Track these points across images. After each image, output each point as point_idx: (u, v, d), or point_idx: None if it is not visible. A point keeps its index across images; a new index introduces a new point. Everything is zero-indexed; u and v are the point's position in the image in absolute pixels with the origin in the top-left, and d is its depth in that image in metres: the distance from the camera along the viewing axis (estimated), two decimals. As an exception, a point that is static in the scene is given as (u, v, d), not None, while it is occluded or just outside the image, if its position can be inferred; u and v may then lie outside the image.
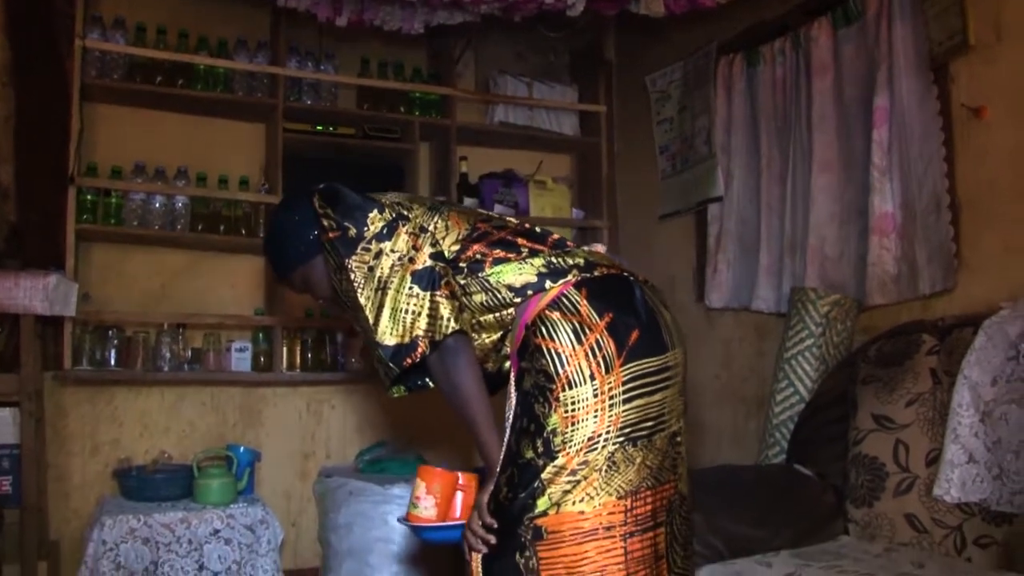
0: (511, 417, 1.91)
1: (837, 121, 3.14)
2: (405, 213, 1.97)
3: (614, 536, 1.81)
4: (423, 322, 1.85)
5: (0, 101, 3.42)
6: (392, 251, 1.90)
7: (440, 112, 3.97)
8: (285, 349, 3.63)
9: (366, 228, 1.92)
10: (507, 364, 2.00)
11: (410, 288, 1.86)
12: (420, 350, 1.84)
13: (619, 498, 1.81)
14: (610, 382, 1.80)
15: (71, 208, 3.30)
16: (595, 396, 1.79)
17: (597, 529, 1.80)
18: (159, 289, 3.65)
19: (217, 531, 3.12)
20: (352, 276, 1.89)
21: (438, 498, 1.98)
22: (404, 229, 1.94)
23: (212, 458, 3.41)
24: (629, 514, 1.82)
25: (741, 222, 3.54)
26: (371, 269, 1.88)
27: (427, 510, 1.99)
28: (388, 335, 1.85)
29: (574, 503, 1.79)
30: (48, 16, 3.48)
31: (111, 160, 3.50)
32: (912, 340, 2.59)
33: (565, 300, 1.86)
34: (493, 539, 1.83)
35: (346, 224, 1.92)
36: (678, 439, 1.94)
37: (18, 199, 3.39)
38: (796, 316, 2.99)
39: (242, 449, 3.44)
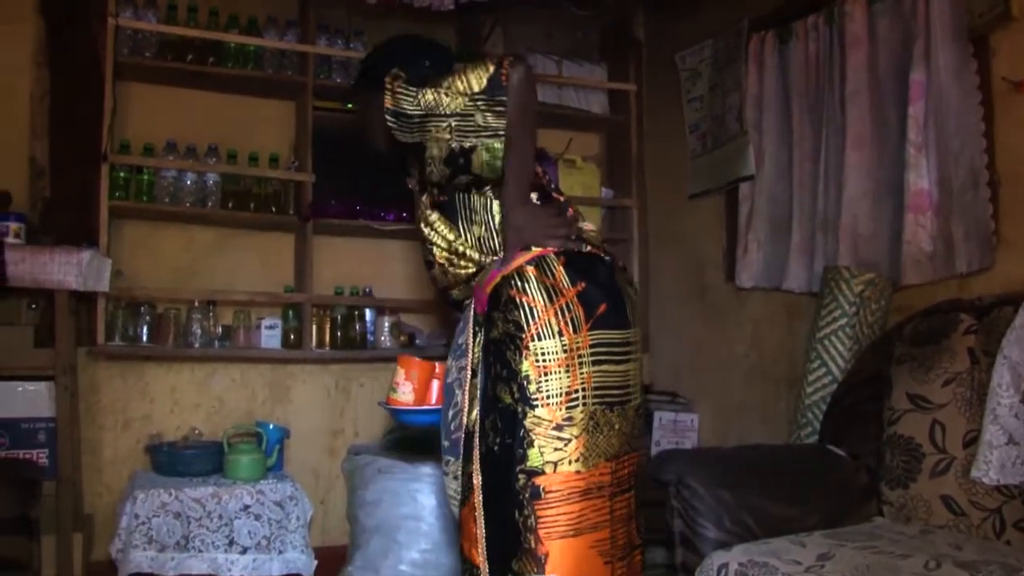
0: (474, 364, 2.02)
1: (871, 97, 3.08)
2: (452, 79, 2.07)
3: (604, 495, 1.94)
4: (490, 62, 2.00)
5: (35, 80, 3.47)
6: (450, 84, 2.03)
7: (469, 90, 3.94)
8: (314, 326, 3.64)
9: (428, 80, 2.06)
10: (470, 297, 2.12)
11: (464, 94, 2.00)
12: (506, 64, 1.98)
13: (607, 460, 1.94)
14: (578, 341, 1.93)
15: (104, 185, 3.32)
16: (564, 351, 1.91)
17: (591, 488, 1.92)
18: (190, 266, 3.67)
19: (247, 506, 3.15)
20: (436, 83, 2.02)
21: (416, 384, 2.14)
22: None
23: (242, 434, 3.43)
24: (614, 476, 1.97)
25: (772, 201, 3.50)
26: (445, 86, 2.01)
27: (405, 395, 2.15)
28: (479, 80, 1.97)
29: (570, 463, 1.89)
30: (81, -6, 3.49)
31: (143, 138, 3.52)
32: (949, 319, 2.54)
33: (544, 263, 1.99)
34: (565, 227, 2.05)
35: (415, 79, 2.07)
36: (640, 411, 2.10)
37: (52, 176, 3.44)
38: (829, 295, 2.95)
39: (271, 426, 3.46)
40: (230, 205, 3.56)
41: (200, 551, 3.06)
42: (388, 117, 2.06)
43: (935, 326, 2.57)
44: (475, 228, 2.08)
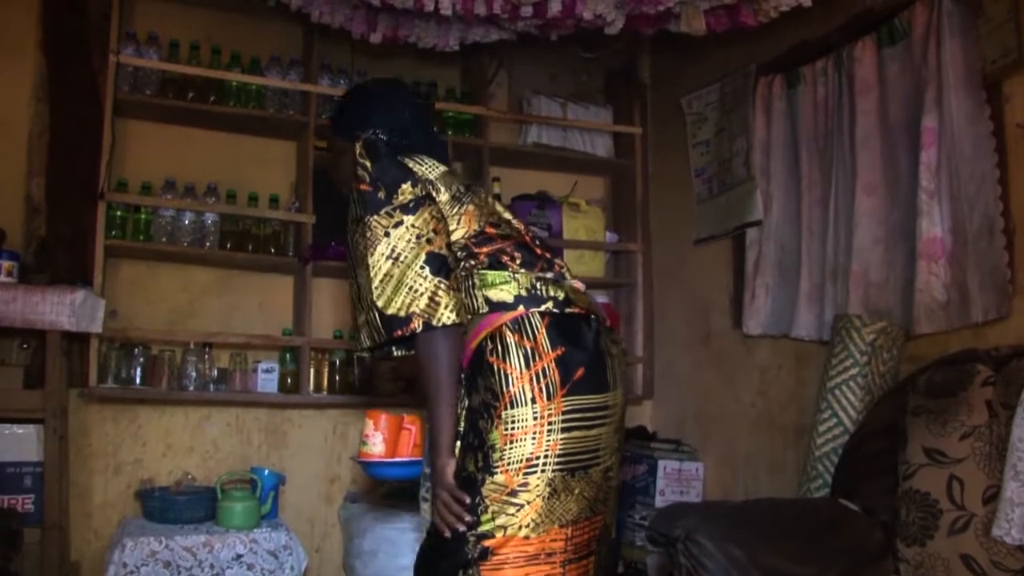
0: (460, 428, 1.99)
1: (882, 142, 3.04)
2: (434, 195, 2.02)
3: (554, 562, 1.91)
4: (422, 302, 1.89)
5: (33, 116, 3.44)
6: (413, 226, 1.94)
7: (473, 132, 3.91)
8: (312, 370, 3.56)
9: (395, 196, 1.96)
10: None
11: (422, 268, 1.91)
12: (412, 326, 1.89)
13: (561, 526, 1.90)
14: (550, 409, 1.88)
15: (100, 223, 3.27)
16: (535, 419, 1.87)
17: (539, 554, 1.89)
18: (186, 307, 3.60)
19: (240, 556, 3.05)
20: (368, 234, 1.92)
21: (386, 435, 2.12)
22: (428, 210, 1.98)
23: (236, 480, 3.34)
24: (569, 542, 1.93)
25: (780, 247, 3.44)
26: (387, 235, 1.92)
27: (376, 446, 2.14)
28: (387, 304, 1.90)
29: (520, 527, 1.86)
30: (83, 32, 3.47)
31: (141, 176, 3.47)
32: (965, 370, 2.47)
33: (526, 323, 1.94)
34: (468, 516, 1.87)
35: (379, 184, 1.96)
36: (610, 474, 2.03)
37: (48, 214, 3.38)
38: (840, 344, 2.88)
39: (267, 472, 3.37)
40: (228, 246, 3.50)
41: (189, 602, 2.96)
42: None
43: (951, 377, 2.50)
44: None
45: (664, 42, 3.73)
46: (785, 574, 2.23)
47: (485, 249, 2.03)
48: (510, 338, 1.93)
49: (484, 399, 1.93)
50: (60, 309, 2.95)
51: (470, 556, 1.86)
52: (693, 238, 3.92)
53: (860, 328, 2.85)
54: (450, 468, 1.94)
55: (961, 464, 2.34)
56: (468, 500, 1.88)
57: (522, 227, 2.17)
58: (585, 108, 4.15)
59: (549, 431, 1.88)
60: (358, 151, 2.02)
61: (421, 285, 1.90)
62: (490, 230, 2.08)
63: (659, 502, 3.61)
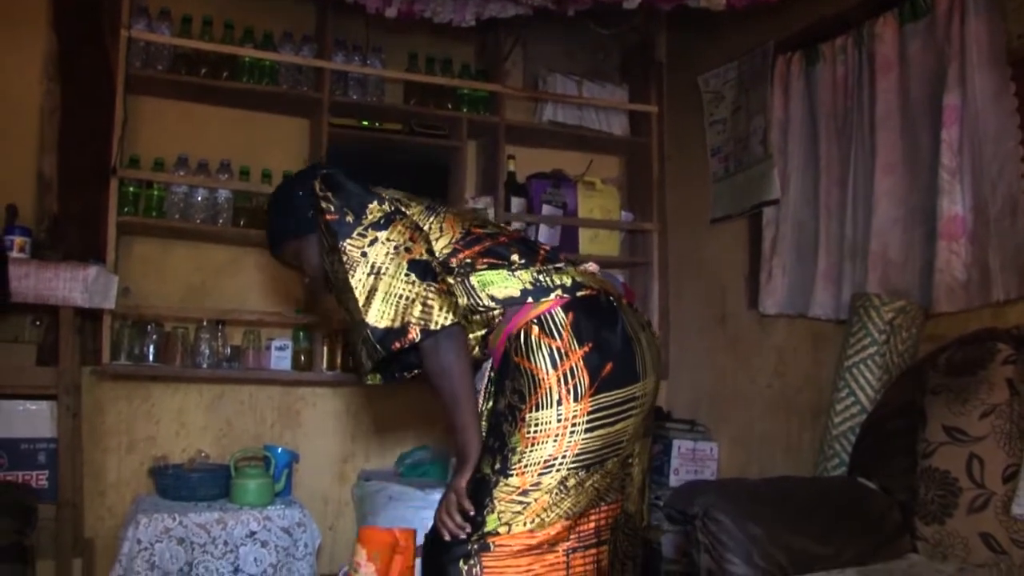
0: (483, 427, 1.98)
1: (902, 121, 3.00)
2: (403, 209, 2.00)
3: (558, 551, 1.89)
4: (416, 309, 1.85)
5: (45, 94, 3.41)
6: (388, 240, 1.91)
7: (488, 109, 3.88)
8: (326, 348, 3.55)
9: (364, 216, 1.93)
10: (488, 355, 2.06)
11: (407, 275, 1.87)
12: (411, 335, 1.85)
13: (566, 519, 1.88)
14: (575, 411, 1.84)
15: (112, 200, 3.25)
16: (558, 422, 1.84)
17: (542, 544, 1.86)
18: (199, 285, 3.59)
19: (253, 533, 3.04)
20: (345, 259, 1.89)
21: (378, 564, 2.07)
22: (401, 223, 1.95)
23: (249, 458, 3.34)
24: (573, 531, 1.91)
25: (798, 226, 3.41)
26: (364, 254, 1.89)
27: None
28: (379, 318, 1.86)
29: (525, 524, 1.85)
30: (94, 8, 3.44)
31: (154, 153, 3.45)
32: (986, 349, 2.44)
33: (550, 320, 1.90)
34: (469, 527, 1.86)
35: (345, 210, 1.93)
36: (630, 460, 2.01)
37: (60, 191, 3.37)
38: (858, 323, 2.86)
39: (280, 450, 3.36)
40: (242, 223, 3.48)
41: (204, 579, 2.96)
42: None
43: (971, 356, 2.47)
44: (459, 300, 1.97)
45: (681, 19, 3.69)
46: (804, 552, 2.21)
47: (477, 248, 2.00)
48: (535, 337, 1.90)
49: (510, 401, 1.91)
50: (73, 285, 2.94)
51: (471, 548, 1.85)
52: (709, 217, 3.88)
53: (879, 307, 2.82)
54: (466, 480, 1.92)
55: (981, 442, 2.32)
56: (472, 512, 1.86)
57: (511, 228, 2.14)
58: (601, 86, 4.11)
59: (572, 432, 1.85)
60: (317, 188, 1.97)
61: (410, 292, 1.86)
62: (477, 230, 2.06)
63: (673, 481, 3.61)
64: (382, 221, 1.93)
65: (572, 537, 1.91)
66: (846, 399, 2.84)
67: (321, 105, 3.57)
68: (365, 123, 3.68)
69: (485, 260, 1.99)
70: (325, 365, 3.54)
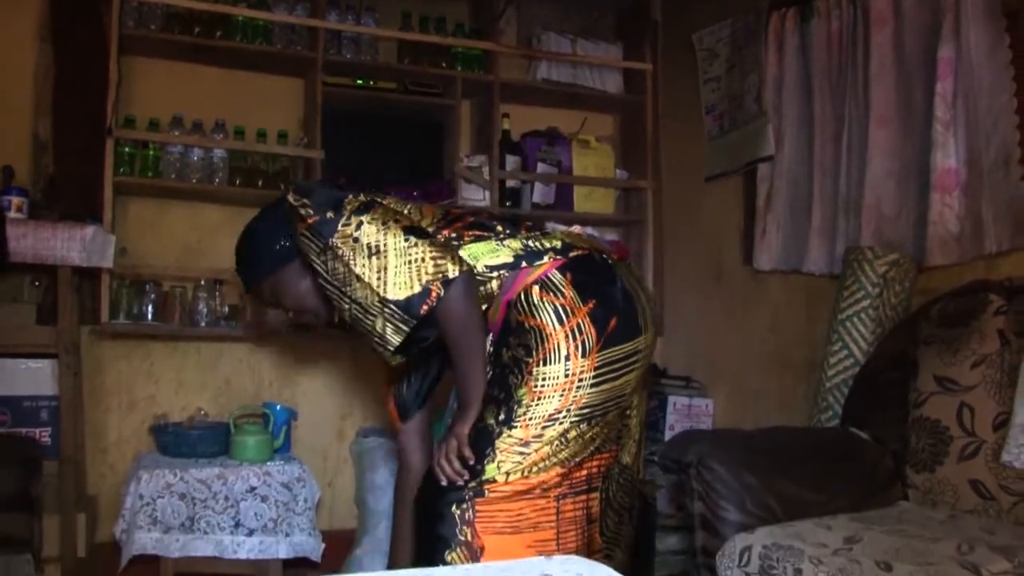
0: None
1: (896, 75, 3.01)
2: (378, 200, 2.01)
3: (549, 496, 1.92)
4: (429, 267, 1.86)
5: (38, 55, 3.40)
6: (373, 219, 1.91)
7: (482, 67, 3.87)
8: (323, 307, 3.56)
9: (343, 209, 1.93)
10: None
11: (406, 240, 1.88)
12: (434, 293, 1.85)
13: (562, 467, 1.91)
14: (583, 366, 1.87)
15: (108, 161, 3.24)
16: (566, 376, 1.87)
17: (535, 489, 1.89)
18: (196, 245, 3.60)
19: (254, 488, 3.08)
20: (340, 252, 1.89)
21: None
22: (381, 207, 1.97)
23: (248, 415, 3.36)
24: (566, 478, 1.94)
25: (792, 182, 3.42)
26: (356, 240, 1.88)
27: None
28: (399, 290, 1.85)
29: (523, 472, 1.88)
30: (86, -33, 3.42)
31: (149, 114, 3.44)
32: (978, 300, 2.48)
33: (550, 282, 1.93)
34: (467, 473, 1.88)
35: (323, 208, 1.93)
36: (628, 412, 2.05)
37: (56, 152, 3.36)
38: (851, 276, 2.88)
39: (279, 407, 3.39)
40: (237, 182, 3.48)
41: (205, 532, 2.99)
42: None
43: (963, 307, 2.50)
44: None
45: (676, -24, 3.68)
46: (797, 499, 2.25)
47: (459, 224, 2.03)
48: (537, 296, 1.92)
49: (515, 354, 1.92)
50: (71, 245, 2.95)
51: (466, 494, 1.88)
52: (704, 175, 3.89)
53: (872, 260, 2.84)
54: (469, 428, 1.94)
55: (972, 392, 2.36)
56: (473, 460, 1.88)
57: (486, 210, 2.15)
58: (595, 44, 4.10)
59: (578, 387, 1.88)
60: (291, 199, 1.97)
61: (417, 254, 1.87)
62: (455, 211, 2.11)
63: (668, 436, 3.64)
64: (361, 208, 1.94)
65: (564, 484, 1.95)
66: (839, 352, 2.87)
67: (315, 64, 3.55)
68: (360, 82, 3.67)
69: (471, 233, 2.01)
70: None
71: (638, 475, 2.18)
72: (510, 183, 3.84)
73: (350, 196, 1.98)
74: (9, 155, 3.24)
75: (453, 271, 1.86)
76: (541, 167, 3.89)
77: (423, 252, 1.87)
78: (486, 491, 1.87)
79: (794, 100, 3.42)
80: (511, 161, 3.85)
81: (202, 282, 3.44)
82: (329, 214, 1.92)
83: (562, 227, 2.18)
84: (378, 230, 1.89)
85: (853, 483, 2.39)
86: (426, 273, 1.85)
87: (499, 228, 2.04)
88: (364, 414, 3.76)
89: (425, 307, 1.85)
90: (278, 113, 3.68)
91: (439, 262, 1.86)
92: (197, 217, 3.60)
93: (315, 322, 2.18)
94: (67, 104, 3.38)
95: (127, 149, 3.34)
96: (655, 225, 4.10)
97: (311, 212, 1.93)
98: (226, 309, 3.47)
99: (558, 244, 2.00)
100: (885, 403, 2.58)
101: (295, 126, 3.69)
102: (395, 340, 1.90)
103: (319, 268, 1.95)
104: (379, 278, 1.86)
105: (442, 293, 1.85)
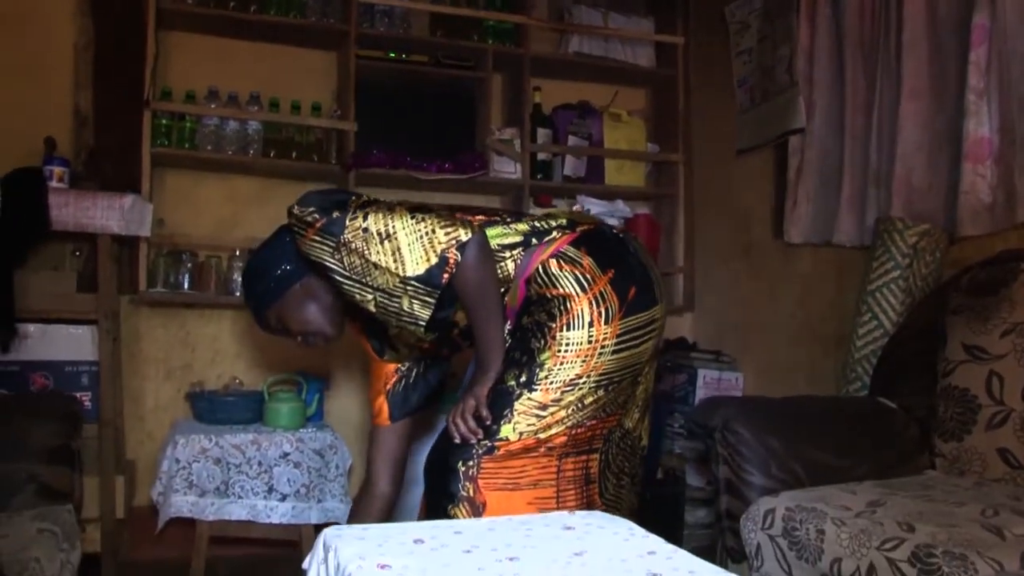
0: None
1: (929, 46, 2.97)
2: (379, 199, 2.05)
3: (552, 455, 1.97)
4: (440, 236, 1.90)
5: (78, 30, 3.48)
6: (378, 209, 1.95)
7: (514, 41, 3.88)
8: (356, 277, 3.60)
9: (348, 207, 1.96)
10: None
11: (413, 217, 1.92)
12: (452, 260, 1.89)
13: (570, 428, 1.96)
14: (605, 332, 1.92)
15: (146, 132, 3.32)
16: (589, 343, 1.91)
17: (540, 446, 1.93)
18: (230, 217, 3.66)
19: (287, 454, 3.14)
20: (353, 245, 1.92)
21: None
22: (383, 201, 2.02)
23: (282, 382, 3.42)
24: (571, 438, 1.98)
25: (823, 154, 3.40)
26: (366, 230, 1.91)
27: None
28: (417, 265, 1.89)
29: (536, 433, 1.92)
30: (124, -57, 3.48)
31: (185, 87, 3.50)
32: (1009, 268, 2.45)
33: (565, 255, 1.99)
34: (481, 432, 1.92)
35: (328, 211, 1.96)
36: (639, 379, 2.10)
37: (96, 125, 3.46)
38: (882, 247, 2.87)
39: (312, 376, 3.45)
40: (272, 154, 3.53)
41: (240, 497, 3.06)
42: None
43: (994, 275, 2.48)
44: None
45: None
46: (822, 465, 2.26)
47: (466, 212, 2.07)
48: (556, 268, 1.98)
49: (538, 319, 1.97)
50: (110, 214, 3.02)
51: (475, 451, 1.92)
52: (735, 148, 3.88)
53: (902, 231, 2.83)
54: (487, 389, 1.97)
55: (1001, 360, 2.34)
56: (490, 420, 1.92)
57: (500, 216, 2.17)
58: (627, 17, 4.10)
59: (600, 354, 1.93)
60: (296, 211, 1.99)
61: (426, 226, 1.91)
62: (458, 205, 2.15)
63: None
64: (364, 203, 1.98)
65: (568, 443, 1.99)
66: (869, 323, 2.87)
67: (348, 37, 3.59)
68: (392, 55, 3.70)
69: (479, 219, 2.06)
70: (355, 294, 3.60)
71: (639, 442, 2.21)
72: (541, 156, 3.86)
73: (352, 197, 2.02)
74: (51, 127, 3.31)
75: (465, 234, 1.91)
76: (572, 140, 3.90)
77: (432, 224, 1.91)
78: (496, 448, 1.91)
79: (825, 71, 3.39)
80: (542, 134, 3.86)
81: (237, 252, 3.51)
82: (335, 214, 1.95)
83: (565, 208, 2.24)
84: (384, 215, 1.93)
85: (879, 451, 2.39)
86: (439, 242, 1.89)
87: (506, 217, 2.10)
88: (395, 384, 3.80)
89: (446, 275, 1.90)
90: (312, 86, 3.72)
91: (449, 230, 1.91)
92: (232, 188, 3.66)
93: (322, 344, 2.23)
94: (106, 77, 3.47)
95: (164, 121, 3.41)
96: (686, 199, 4.10)
97: (317, 217, 1.96)
98: (260, 279, 3.52)
99: (563, 221, 2.06)
100: (913, 373, 2.57)
101: (329, 99, 3.74)
102: (424, 314, 1.94)
103: (336, 267, 1.97)
104: (396, 259, 1.90)
105: (459, 258, 1.89)
